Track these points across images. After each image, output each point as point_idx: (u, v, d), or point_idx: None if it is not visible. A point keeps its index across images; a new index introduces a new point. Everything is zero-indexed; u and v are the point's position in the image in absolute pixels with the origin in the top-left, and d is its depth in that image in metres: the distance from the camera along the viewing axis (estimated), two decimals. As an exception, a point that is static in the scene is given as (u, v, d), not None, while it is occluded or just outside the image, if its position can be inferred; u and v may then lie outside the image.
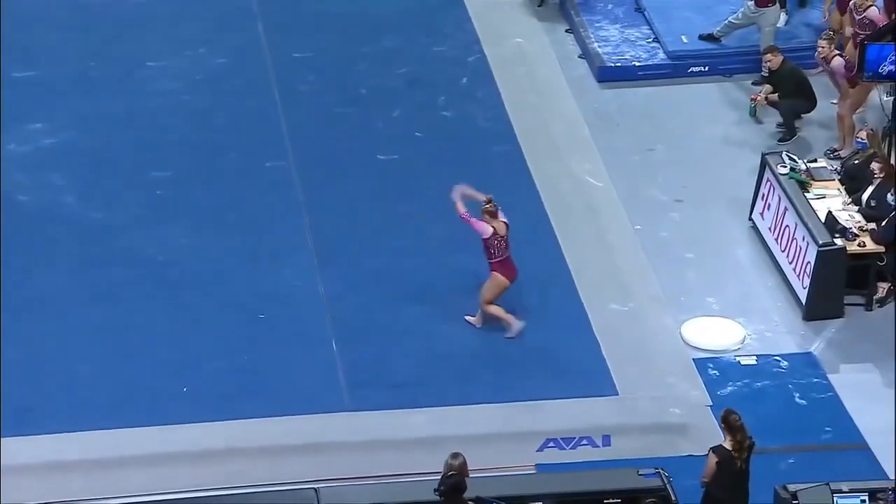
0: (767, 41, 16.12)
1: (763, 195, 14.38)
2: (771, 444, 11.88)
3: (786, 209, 13.94)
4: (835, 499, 10.78)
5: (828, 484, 10.90)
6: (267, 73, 16.41)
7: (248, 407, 12.28)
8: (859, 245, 13.44)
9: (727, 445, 10.82)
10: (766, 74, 15.74)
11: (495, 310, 12.88)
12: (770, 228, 14.19)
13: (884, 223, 13.50)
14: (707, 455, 10.87)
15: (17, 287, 13.38)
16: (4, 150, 15.13)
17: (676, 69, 16.43)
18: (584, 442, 12.04)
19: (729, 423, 10.82)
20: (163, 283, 13.60)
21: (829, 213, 13.67)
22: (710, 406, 12.34)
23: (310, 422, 12.16)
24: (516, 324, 12.87)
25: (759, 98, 15.58)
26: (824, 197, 13.93)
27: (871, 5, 15.41)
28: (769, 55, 15.57)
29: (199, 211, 14.50)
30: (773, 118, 15.73)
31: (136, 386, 12.48)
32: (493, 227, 12.67)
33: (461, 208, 12.79)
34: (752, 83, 16.28)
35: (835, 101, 15.50)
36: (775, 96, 15.54)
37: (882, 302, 13.59)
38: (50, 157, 15.11)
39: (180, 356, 12.79)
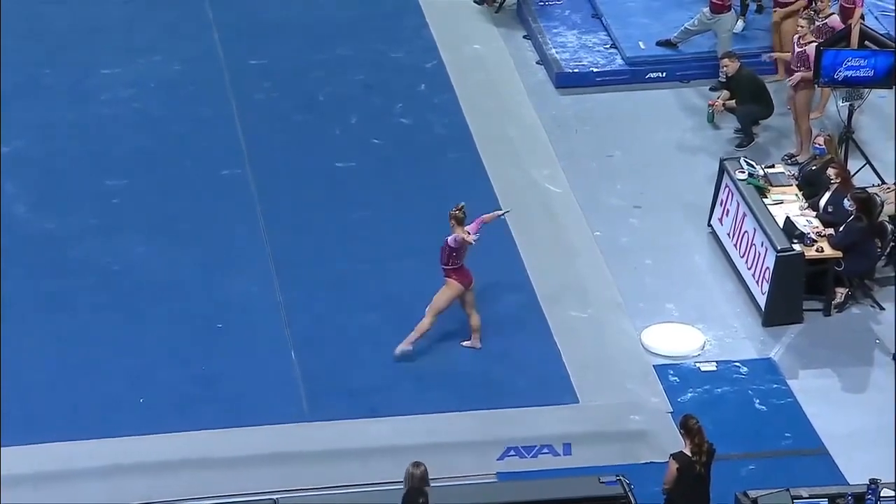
0: (724, 47, 16.19)
1: (721, 201, 14.42)
2: (731, 451, 11.90)
3: (744, 215, 13.98)
4: (795, 504, 10.82)
5: (788, 490, 10.94)
6: (223, 81, 16.34)
7: (204, 417, 12.20)
8: (817, 250, 13.50)
9: (687, 451, 10.84)
10: (724, 80, 15.80)
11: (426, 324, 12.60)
12: (729, 234, 14.23)
13: (841, 228, 13.57)
14: (668, 462, 10.87)
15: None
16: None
17: (634, 75, 16.47)
18: (545, 450, 12.01)
19: (688, 427, 10.84)
20: (117, 293, 13.49)
21: (788, 218, 13.73)
22: (671, 413, 12.36)
23: (269, 432, 12.09)
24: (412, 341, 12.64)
25: (716, 104, 15.64)
26: (782, 202, 13.99)
27: (832, 13, 15.48)
28: (726, 61, 15.64)
29: (154, 220, 14.41)
30: (730, 124, 15.79)
31: (89, 397, 12.37)
32: (462, 235, 12.54)
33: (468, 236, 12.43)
34: (710, 89, 16.34)
35: (789, 108, 15.58)
36: (732, 102, 15.60)
37: (840, 307, 13.65)
38: (2, 166, 14.92)
39: (135, 366, 12.69)
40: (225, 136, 15.54)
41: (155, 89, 16.16)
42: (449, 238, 12.54)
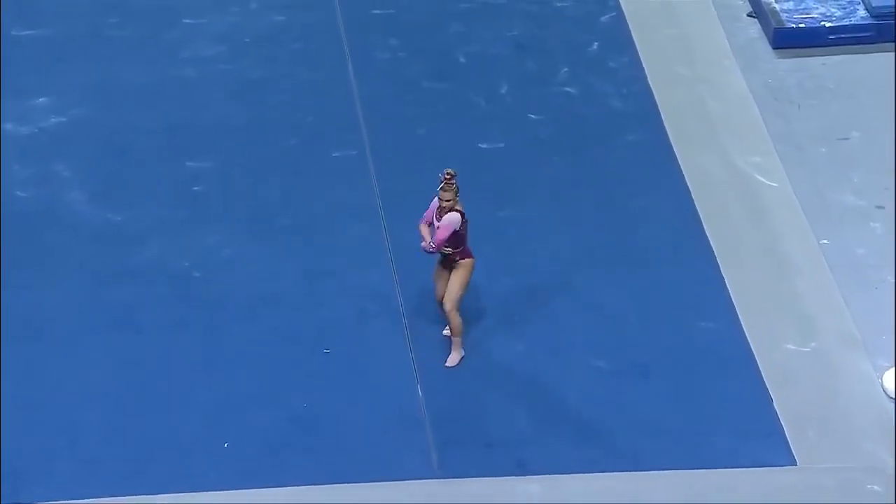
0: None
1: None
2: None
3: None
4: None
5: None
6: (337, 36, 16.56)
7: (304, 469, 12.31)
8: None
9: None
10: None
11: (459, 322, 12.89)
12: None
13: None
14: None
15: (10, 309, 13.49)
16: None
17: (881, 31, 16.45)
18: (751, 525, 12.13)
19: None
20: (197, 306, 13.68)
21: None
22: (922, 482, 12.34)
23: (386, 490, 12.17)
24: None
25: None
26: None
27: None
28: None
29: (246, 212, 14.61)
30: None
31: (159, 440, 12.54)
32: (460, 210, 12.72)
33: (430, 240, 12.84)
34: (982, 51, 16.08)
35: None
36: None
37: None
38: (55, 141, 15.29)
39: (217, 401, 12.85)
40: (338, 107, 15.73)
41: (249, 46, 16.43)
42: (443, 221, 12.67)
